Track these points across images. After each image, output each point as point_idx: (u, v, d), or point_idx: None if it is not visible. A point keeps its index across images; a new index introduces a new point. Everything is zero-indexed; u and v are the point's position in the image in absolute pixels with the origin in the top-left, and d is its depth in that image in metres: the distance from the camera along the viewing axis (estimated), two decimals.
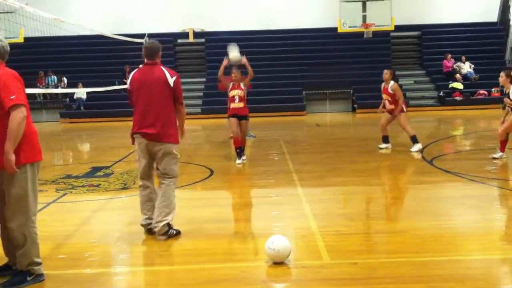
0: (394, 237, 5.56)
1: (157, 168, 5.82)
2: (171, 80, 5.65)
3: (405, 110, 10.95)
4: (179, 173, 5.90)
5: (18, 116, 4.13)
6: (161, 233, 5.62)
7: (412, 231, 5.67)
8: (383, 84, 11.13)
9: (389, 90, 10.91)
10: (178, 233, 5.77)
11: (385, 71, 11.09)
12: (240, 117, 10.26)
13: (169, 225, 5.69)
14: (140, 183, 5.86)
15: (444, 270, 4.57)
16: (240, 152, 10.32)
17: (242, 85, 10.31)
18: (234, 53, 10.31)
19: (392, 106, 10.94)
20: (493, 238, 5.50)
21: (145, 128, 5.63)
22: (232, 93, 10.30)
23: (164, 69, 5.73)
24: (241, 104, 10.23)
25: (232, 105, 10.26)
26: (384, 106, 11.29)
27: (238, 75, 10.41)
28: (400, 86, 22.42)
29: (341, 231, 5.74)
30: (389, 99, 10.98)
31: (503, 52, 25.07)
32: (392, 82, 10.91)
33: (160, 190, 5.74)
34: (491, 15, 25.73)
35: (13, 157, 4.13)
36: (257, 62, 23.95)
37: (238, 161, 10.25)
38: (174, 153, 5.75)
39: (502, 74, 9.55)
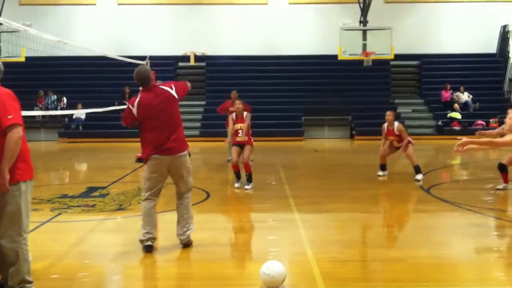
0: (391, 265, 5.51)
1: (177, 185, 6.09)
2: (173, 92, 5.99)
3: (412, 142, 11.04)
4: None
5: (15, 136, 4.19)
6: (187, 241, 5.98)
7: (409, 259, 5.63)
8: (386, 125, 11.20)
9: (396, 132, 11.02)
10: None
11: (388, 112, 11.17)
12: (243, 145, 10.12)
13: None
14: (148, 196, 5.97)
15: None
16: (239, 175, 10.23)
17: (245, 117, 10.11)
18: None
19: (401, 144, 11.00)
20: (490, 269, 5.46)
21: (164, 145, 5.85)
22: (236, 126, 10.14)
23: (163, 87, 6.04)
24: (245, 138, 10.02)
25: (237, 139, 10.09)
26: (386, 139, 11.31)
27: (240, 105, 10.17)
28: (399, 114, 22.59)
29: (337, 258, 5.69)
30: (396, 139, 11.09)
31: (502, 83, 25.23)
32: (396, 123, 11.06)
33: (182, 206, 6.08)
34: (490, 46, 25.95)
35: (7, 176, 4.16)
36: (257, 87, 24.16)
37: (236, 184, 10.14)
38: (189, 164, 6.12)
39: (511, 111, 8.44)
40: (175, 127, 5.94)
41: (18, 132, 4.21)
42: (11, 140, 4.17)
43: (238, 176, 10.21)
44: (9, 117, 4.19)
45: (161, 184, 6.06)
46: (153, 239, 5.92)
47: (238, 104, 10.21)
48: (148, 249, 5.82)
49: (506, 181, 9.48)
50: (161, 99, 5.89)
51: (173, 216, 7.55)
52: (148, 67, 6.41)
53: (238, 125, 10.10)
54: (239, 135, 10.06)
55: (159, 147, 5.84)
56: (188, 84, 6.47)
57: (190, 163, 6.12)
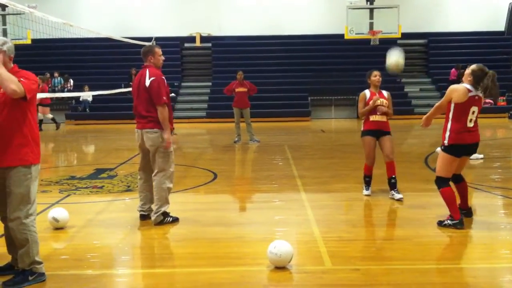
0: (397, 244, 5.54)
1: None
2: (147, 81, 6.08)
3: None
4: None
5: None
6: (156, 222, 6.22)
7: (415, 238, 5.65)
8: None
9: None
10: (175, 220, 6.33)
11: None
12: None
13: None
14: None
15: (447, 278, 4.55)
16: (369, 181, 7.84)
17: None
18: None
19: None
20: (496, 247, 5.47)
21: None
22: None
23: (147, 71, 6.17)
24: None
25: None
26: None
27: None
28: (406, 94, 22.44)
29: (343, 237, 5.73)
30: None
31: (510, 61, 25.01)
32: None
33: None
34: (498, 24, 25.70)
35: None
36: (263, 67, 24.08)
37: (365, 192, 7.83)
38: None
39: None
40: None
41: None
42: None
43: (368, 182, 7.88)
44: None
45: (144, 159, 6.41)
46: (146, 210, 6.41)
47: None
48: (141, 218, 6.40)
49: None
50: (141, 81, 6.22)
51: (179, 197, 7.63)
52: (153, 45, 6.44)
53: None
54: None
55: None
56: (162, 104, 6.05)
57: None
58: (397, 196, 7.51)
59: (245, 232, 6.06)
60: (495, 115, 21.08)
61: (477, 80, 5.83)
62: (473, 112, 5.92)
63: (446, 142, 5.97)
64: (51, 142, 16.18)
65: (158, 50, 6.29)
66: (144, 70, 6.23)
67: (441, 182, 6.01)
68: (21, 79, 4.22)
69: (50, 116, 20.01)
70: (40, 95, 16.90)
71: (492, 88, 5.80)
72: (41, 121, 19.51)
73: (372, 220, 6.79)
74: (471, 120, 5.93)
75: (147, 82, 6.05)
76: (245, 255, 5.25)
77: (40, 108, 19.74)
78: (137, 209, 6.48)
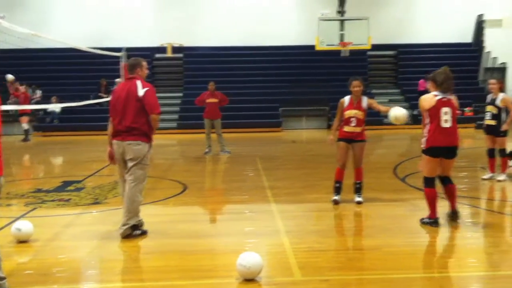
0: (366, 254, 5.56)
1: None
2: (141, 92, 6.06)
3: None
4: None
5: None
6: (124, 235, 6.07)
7: (384, 248, 5.68)
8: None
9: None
10: (143, 233, 6.22)
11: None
12: None
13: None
14: None
15: (417, 287, 4.57)
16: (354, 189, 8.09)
17: None
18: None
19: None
20: (464, 256, 5.53)
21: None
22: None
23: (138, 82, 6.14)
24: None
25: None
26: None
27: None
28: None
29: (313, 248, 5.72)
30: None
31: (477, 72, 25.52)
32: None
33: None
34: (466, 36, 26.22)
35: None
36: (234, 78, 24.09)
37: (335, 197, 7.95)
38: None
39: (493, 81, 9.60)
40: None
41: None
42: None
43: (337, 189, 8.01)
44: None
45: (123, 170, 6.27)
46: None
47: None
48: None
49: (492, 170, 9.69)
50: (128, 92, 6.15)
51: (148, 209, 7.54)
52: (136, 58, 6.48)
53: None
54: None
55: None
56: (158, 113, 6.19)
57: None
58: (357, 199, 7.97)
59: (215, 244, 6.01)
60: (462, 125, 21.37)
61: (436, 81, 6.39)
62: (446, 113, 6.34)
63: (423, 146, 6.53)
64: (17, 153, 15.85)
65: (145, 63, 6.46)
66: (132, 81, 6.18)
67: (425, 182, 6.61)
68: None
69: (26, 126, 19.68)
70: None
71: (444, 81, 6.31)
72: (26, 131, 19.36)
73: (343, 230, 6.82)
74: (446, 120, 6.33)
75: (141, 92, 6.04)
76: (216, 267, 5.20)
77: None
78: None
